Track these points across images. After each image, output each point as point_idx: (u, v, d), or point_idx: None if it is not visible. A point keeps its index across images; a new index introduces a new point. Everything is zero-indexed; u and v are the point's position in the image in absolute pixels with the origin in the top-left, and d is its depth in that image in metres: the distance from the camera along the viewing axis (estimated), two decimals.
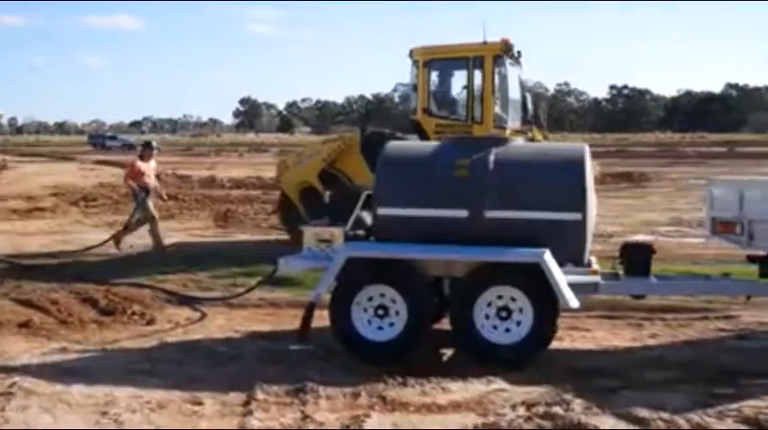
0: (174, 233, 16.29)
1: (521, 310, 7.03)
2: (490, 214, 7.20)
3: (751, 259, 8.40)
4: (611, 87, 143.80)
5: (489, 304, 7.07)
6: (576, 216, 7.13)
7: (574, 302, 6.91)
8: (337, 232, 7.61)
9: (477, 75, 13.61)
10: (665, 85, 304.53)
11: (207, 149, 69.87)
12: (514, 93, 14.03)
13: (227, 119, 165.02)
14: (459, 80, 14.04)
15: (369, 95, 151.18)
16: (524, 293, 6.98)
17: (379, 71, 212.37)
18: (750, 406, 5.95)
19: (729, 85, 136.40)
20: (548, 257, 6.89)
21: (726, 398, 6.17)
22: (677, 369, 7.04)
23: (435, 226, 7.31)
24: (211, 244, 14.88)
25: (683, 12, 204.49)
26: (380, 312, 7.24)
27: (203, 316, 9.28)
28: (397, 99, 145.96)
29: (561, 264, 7.05)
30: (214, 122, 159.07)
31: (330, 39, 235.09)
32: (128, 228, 14.06)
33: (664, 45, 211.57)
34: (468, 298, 7.08)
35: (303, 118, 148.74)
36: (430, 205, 7.36)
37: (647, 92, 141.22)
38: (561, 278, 6.90)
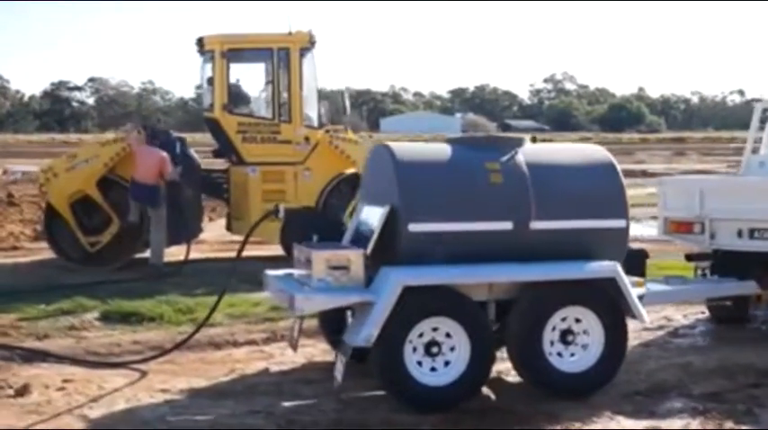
0: None
1: (585, 332, 6.26)
2: (535, 225, 6.33)
3: (689, 258, 8.57)
4: (198, 87, 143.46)
5: (553, 328, 6.22)
6: (621, 223, 6.57)
7: (646, 317, 6.36)
8: (355, 256, 6.12)
9: (283, 68, 12.29)
10: None
11: None
12: (315, 89, 12.94)
13: None
14: (261, 74, 12.53)
15: None
16: (594, 312, 6.22)
17: None
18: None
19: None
20: (621, 271, 6.25)
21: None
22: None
23: (478, 241, 6.21)
24: None
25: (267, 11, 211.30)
26: (434, 350, 5.97)
27: (143, 375, 6.96)
28: None
29: None
30: None
31: None
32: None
33: None
34: (536, 323, 6.13)
35: None
36: (470, 218, 6.24)
37: None
38: (634, 292, 6.30)
